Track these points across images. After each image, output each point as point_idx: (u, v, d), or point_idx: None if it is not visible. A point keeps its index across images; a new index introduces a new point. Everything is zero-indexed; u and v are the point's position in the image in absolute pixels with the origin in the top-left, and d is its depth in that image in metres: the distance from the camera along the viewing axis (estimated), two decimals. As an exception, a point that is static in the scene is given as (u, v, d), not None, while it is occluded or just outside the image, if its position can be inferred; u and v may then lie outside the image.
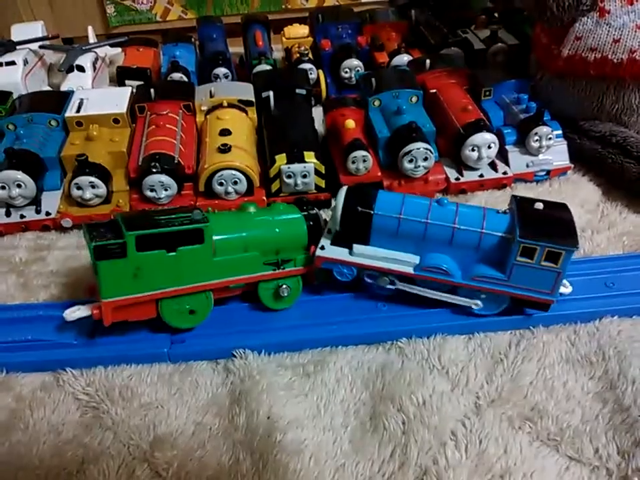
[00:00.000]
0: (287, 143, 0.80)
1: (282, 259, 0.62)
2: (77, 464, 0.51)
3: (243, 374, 0.58)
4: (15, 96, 0.98)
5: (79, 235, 0.79)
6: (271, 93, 0.89)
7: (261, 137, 0.88)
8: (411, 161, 0.80)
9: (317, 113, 0.95)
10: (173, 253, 0.56)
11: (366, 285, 0.64)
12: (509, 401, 0.55)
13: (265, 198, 0.81)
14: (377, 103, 0.88)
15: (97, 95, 0.92)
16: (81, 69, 1.09)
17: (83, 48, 1.15)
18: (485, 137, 0.82)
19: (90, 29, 1.28)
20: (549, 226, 0.57)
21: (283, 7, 1.47)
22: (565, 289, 0.62)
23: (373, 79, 0.90)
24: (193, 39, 1.25)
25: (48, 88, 1.15)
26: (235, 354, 0.60)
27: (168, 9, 1.45)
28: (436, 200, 0.61)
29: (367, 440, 0.52)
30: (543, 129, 0.83)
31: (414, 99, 0.88)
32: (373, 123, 0.86)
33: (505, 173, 0.85)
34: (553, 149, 0.85)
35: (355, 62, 1.10)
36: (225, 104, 0.89)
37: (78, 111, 0.87)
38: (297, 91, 0.91)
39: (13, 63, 1.09)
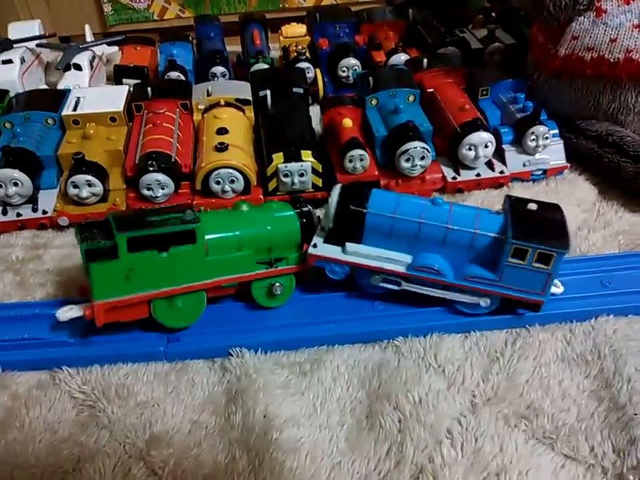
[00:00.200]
0: (284, 142, 0.80)
1: (274, 257, 0.62)
2: (72, 462, 0.51)
3: (239, 372, 0.58)
4: (11, 94, 0.98)
5: (76, 234, 0.79)
6: (268, 92, 0.89)
7: (258, 135, 0.88)
8: (408, 160, 0.80)
9: (314, 111, 0.94)
10: (165, 254, 0.56)
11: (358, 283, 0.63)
12: (505, 399, 0.55)
13: (262, 197, 0.81)
14: (374, 101, 0.88)
15: (93, 94, 0.92)
16: (78, 67, 1.09)
17: (80, 46, 1.15)
18: (481, 136, 0.82)
19: (87, 27, 1.28)
20: (541, 227, 0.56)
21: (281, 5, 1.47)
22: (557, 288, 0.62)
23: (371, 78, 0.89)
24: (190, 38, 1.25)
25: (45, 86, 1.15)
26: (232, 352, 0.60)
27: (165, 8, 1.45)
28: (430, 199, 0.60)
29: (363, 438, 0.52)
30: (540, 129, 0.83)
31: (411, 98, 0.88)
32: (370, 121, 0.86)
33: (501, 172, 0.85)
34: (549, 148, 0.85)
35: (352, 61, 1.10)
36: (222, 103, 0.89)
37: (75, 109, 0.87)
38: (295, 89, 0.91)
39: (10, 61, 1.08)
